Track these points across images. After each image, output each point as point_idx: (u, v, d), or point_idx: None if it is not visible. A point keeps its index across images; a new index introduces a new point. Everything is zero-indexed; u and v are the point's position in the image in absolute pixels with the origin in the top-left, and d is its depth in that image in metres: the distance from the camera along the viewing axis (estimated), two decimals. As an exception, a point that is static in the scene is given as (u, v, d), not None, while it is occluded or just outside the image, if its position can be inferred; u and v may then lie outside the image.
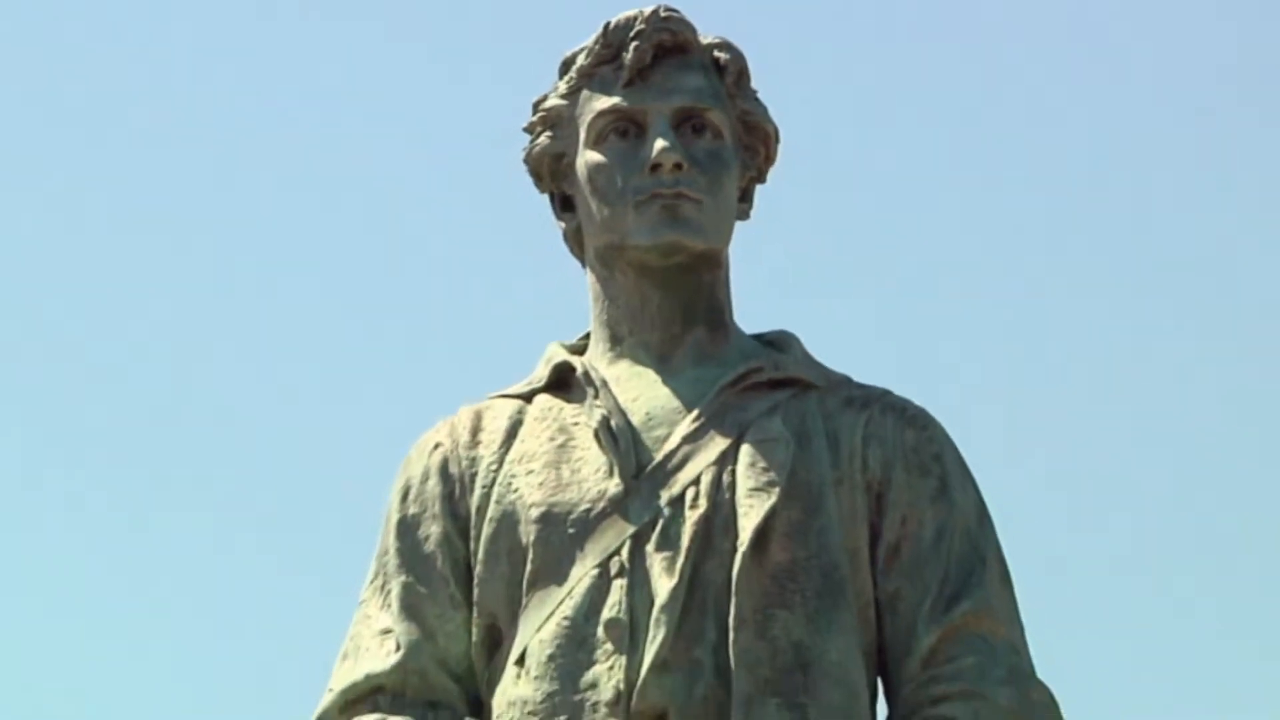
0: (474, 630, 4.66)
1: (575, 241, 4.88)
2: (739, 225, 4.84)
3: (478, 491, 4.75)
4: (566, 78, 4.86)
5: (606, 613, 4.52)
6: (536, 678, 4.52)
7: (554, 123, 4.87)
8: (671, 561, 4.52)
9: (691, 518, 4.55)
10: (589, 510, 4.61)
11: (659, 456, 4.64)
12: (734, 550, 4.51)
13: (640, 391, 4.73)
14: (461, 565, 4.71)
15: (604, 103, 4.79)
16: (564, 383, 4.78)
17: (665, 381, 4.74)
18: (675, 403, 4.71)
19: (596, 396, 4.72)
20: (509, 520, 4.66)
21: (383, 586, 4.74)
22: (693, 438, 4.65)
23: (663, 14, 4.80)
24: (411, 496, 4.79)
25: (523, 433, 4.76)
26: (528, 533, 4.62)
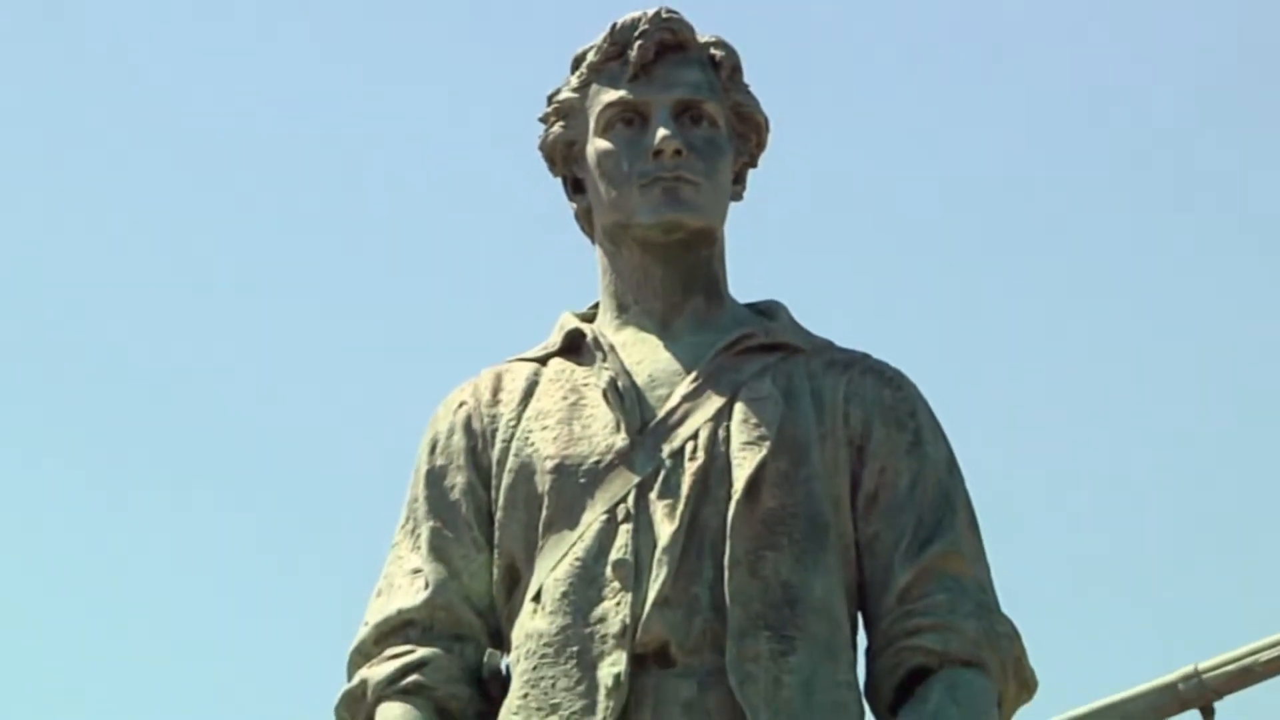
0: (495, 570, 4.81)
1: (585, 220, 5.02)
2: (733, 205, 4.99)
3: (498, 445, 4.88)
4: (577, 73, 4.99)
5: (614, 554, 4.67)
6: (551, 613, 4.66)
7: (566, 113, 5.00)
8: (672, 508, 4.67)
9: (690, 469, 4.70)
10: (598, 462, 4.76)
11: (661, 413, 4.78)
12: (729, 498, 4.67)
13: (644, 355, 4.87)
14: (484, 511, 4.85)
15: (611, 95, 4.92)
16: (575, 347, 4.92)
17: (666, 346, 4.88)
18: (676, 365, 4.84)
19: (605, 360, 4.86)
20: (526, 471, 4.80)
21: (413, 530, 4.88)
22: (691, 396, 4.78)
23: (664, 15, 4.94)
24: (439, 449, 4.92)
25: (538, 392, 4.90)
26: (543, 482, 4.77)
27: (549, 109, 5.03)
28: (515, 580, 4.80)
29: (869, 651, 4.78)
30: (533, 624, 4.70)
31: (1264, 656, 4.53)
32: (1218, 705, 4.55)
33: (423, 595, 4.80)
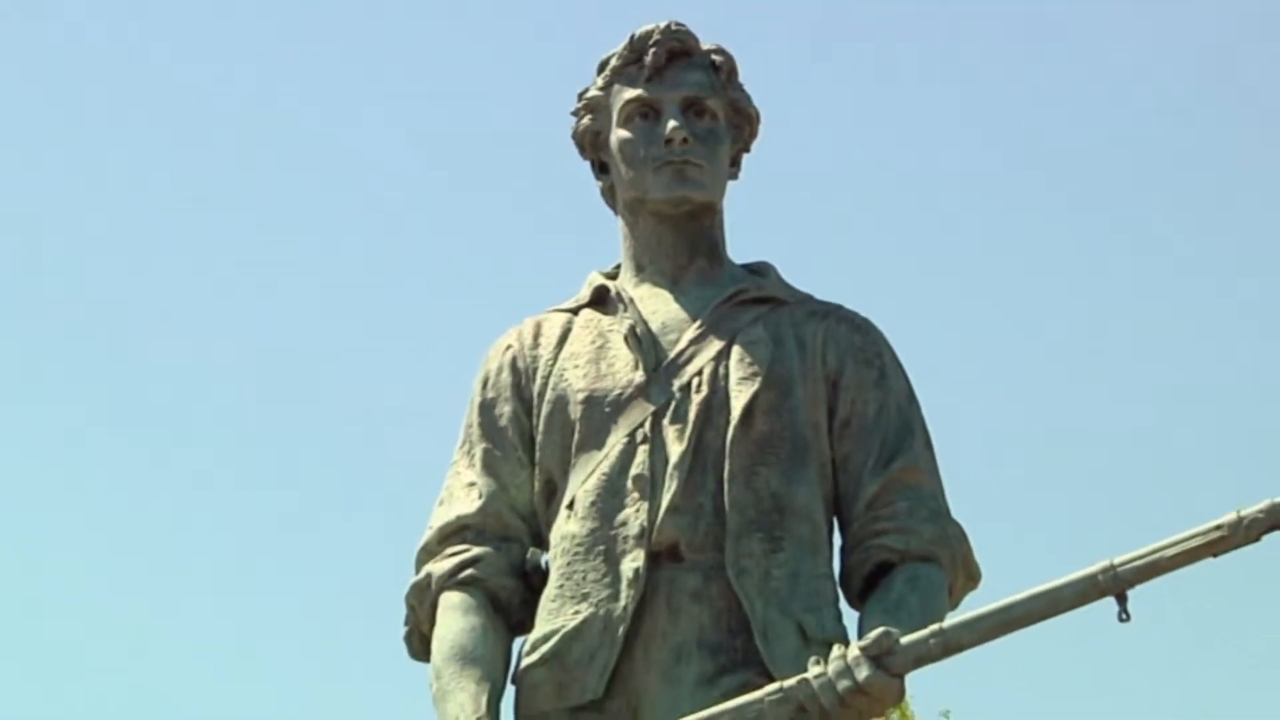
0: (535, 484, 5.03)
1: (609, 196, 5.25)
2: (731, 184, 5.23)
3: (538, 381, 5.10)
4: (602, 75, 5.20)
5: (634, 470, 4.90)
6: (582, 518, 4.90)
7: (593, 108, 5.21)
8: (681, 432, 4.90)
9: (696, 400, 4.92)
10: (620, 394, 4.97)
11: (672, 354, 5.00)
12: (728, 424, 4.89)
13: (658, 307, 5.09)
14: (527, 435, 5.08)
15: (630, 93, 5.14)
16: (601, 300, 5.15)
17: (676, 299, 5.10)
18: (683, 315, 5.06)
19: (626, 310, 5.08)
20: (561, 402, 5.02)
21: (469, 451, 5.11)
22: (697, 341, 5.01)
23: (674, 27, 5.13)
24: (489, 384, 5.15)
25: (571, 337, 5.12)
26: (575, 411, 4.99)
27: (579, 104, 5.24)
28: (552, 492, 5.01)
29: (843, 549, 5.00)
30: (567, 527, 4.92)
31: (1168, 553, 4.61)
32: (1130, 593, 4.61)
33: (477, 504, 5.02)
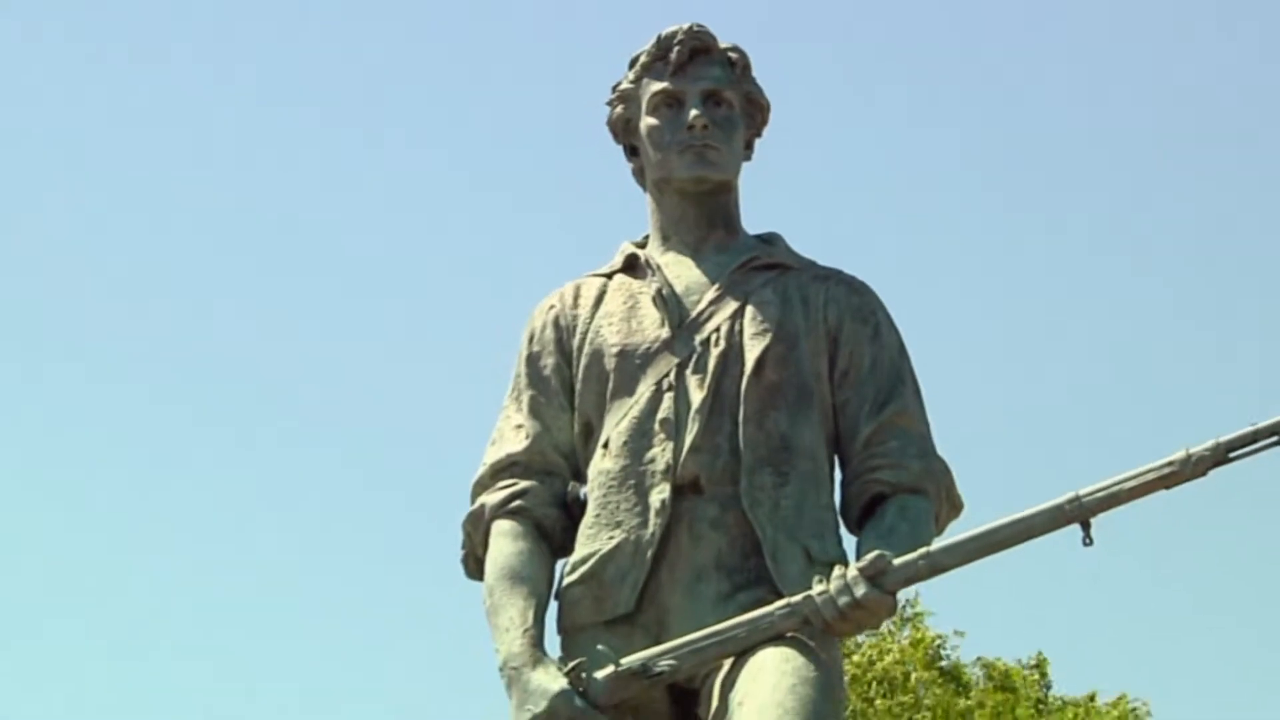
0: (575, 426, 5.16)
1: (639, 176, 5.36)
2: (745, 165, 5.33)
3: (577, 336, 5.20)
4: (633, 70, 5.31)
5: (660, 414, 5.02)
6: (615, 456, 5.03)
7: (625, 99, 5.32)
8: (702, 381, 5.02)
9: (715, 353, 5.05)
10: (649, 348, 5.09)
11: (693, 314, 5.12)
12: (742, 374, 5.01)
13: (681, 272, 5.20)
14: (567, 384, 5.19)
15: (657, 86, 5.24)
16: (632, 266, 5.26)
17: (697, 265, 5.20)
18: (704, 279, 5.17)
19: (653, 275, 5.20)
20: (597, 355, 5.14)
21: (517, 398, 5.22)
22: (715, 301, 5.12)
23: (695, 29, 5.26)
24: (535, 339, 5.25)
25: (606, 298, 5.24)
26: (609, 363, 5.11)
27: (613, 96, 5.35)
28: (590, 433, 5.13)
29: (843, 483, 5.12)
30: (602, 464, 5.04)
31: (1127, 485, 4.72)
32: (1093, 521, 4.73)
33: (524, 443, 5.14)
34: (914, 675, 25.94)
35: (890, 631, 26.14)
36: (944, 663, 26.47)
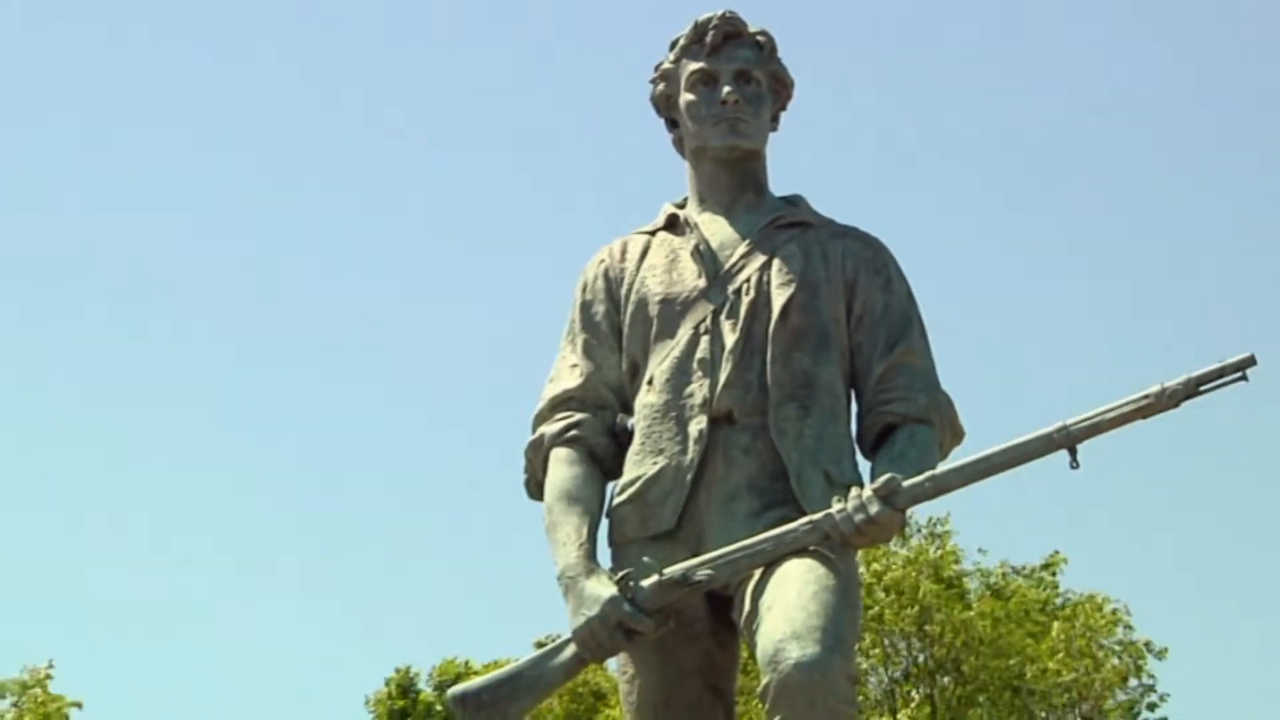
0: (623, 365, 5.24)
1: (679, 146, 5.42)
2: (772, 136, 5.40)
3: (625, 286, 5.27)
4: (672, 52, 5.38)
5: (698, 354, 5.10)
6: (659, 391, 5.12)
7: (667, 78, 5.39)
8: (734, 325, 5.10)
9: (746, 301, 5.12)
10: (687, 297, 5.16)
11: (727, 266, 5.18)
12: (770, 319, 5.09)
13: (715, 230, 5.26)
14: (616, 328, 5.26)
15: (694, 66, 5.32)
16: (673, 225, 5.33)
17: (730, 223, 5.26)
18: (735, 235, 5.23)
19: (691, 232, 5.27)
20: (642, 303, 5.21)
21: (572, 340, 5.30)
22: (745, 255, 5.19)
23: (728, 15, 5.34)
24: (588, 289, 5.33)
25: (650, 253, 5.30)
26: (653, 309, 5.19)
27: (655, 75, 5.42)
28: (636, 371, 5.20)
29: (858, 415, 5.19)
30: (647, 399, 5.13)
31: (1108, 416, 4.78)
32: (1080, 447, 4.78)
33: (578, 380, 5.23)
34: (923, 586, 26.03)
35: (904, 545, 26.20)
36: (949, 573, 26.56)
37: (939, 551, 26.99)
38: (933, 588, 26.50)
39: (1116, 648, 27.55)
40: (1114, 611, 27.52)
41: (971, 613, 26.87)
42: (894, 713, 26.35)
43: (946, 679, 27.01)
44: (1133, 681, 27.69)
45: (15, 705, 24.09)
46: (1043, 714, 27.01)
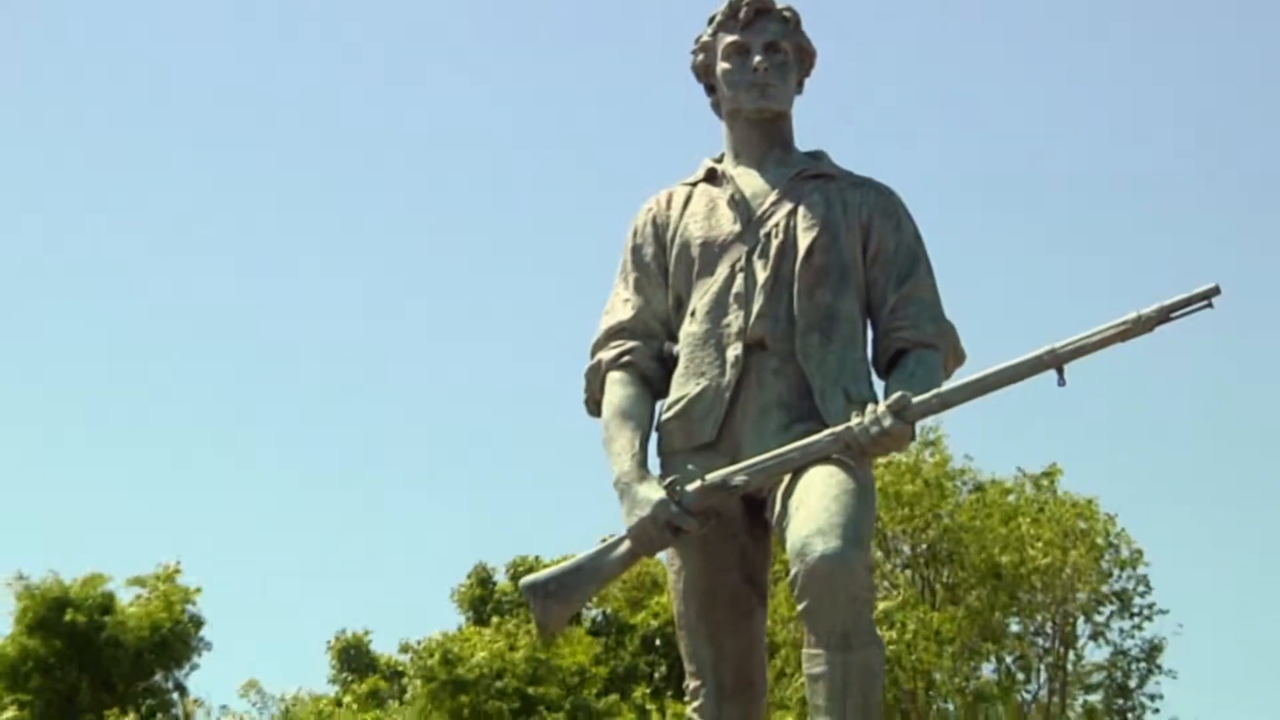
0: (669, 300, 5.30)
1: (716, 109, 5.49)
2: (797, 99, 5.46)
3: (670, 230, 5.34)
4: (710, 26, 5.46)
5: (734, 290, 5.17)
6: (700, 321, 5.19)
7: (705, 49, 5.46)
8: (765, 264, 5.17)
9: (775, 243, 5.20)
10: (725, 239, 5.24)
11: (758, 213, 5.26)
12: (796, 258, 5.16)
13: (748, 181, 5.33)
14: (663, 268, 5.33)
15: (729, 38, 5.39)
16: (711, 177, 5.40)
17: (761, 176, 5.33)
18: (766, 186, 5.30)
19: (727, 184, 5.34)
20: (686, 245, 5.29)
21: (624, 278, 5.38)
22: (775, 203, 5.26)
23: None
24: (638, 234, 5.40)
25: (692, 202, 5.37)
26: (695, 251, 5.26)
27: (695, 47, 5.49)
28: (680, 305, 5.27)
29: (873, 341, 5.25)
30: (689, 328, 5.21)
31: (1091, 339, 4.83)
32: (1066, 367, 4.83)
33: (630, 312, 5.31)
34: (907, 489, 26.22)
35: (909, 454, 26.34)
36: (928, 475, 26.73)
37: (934, 457, 27.16)
38: (924, 490, 26.68)
39: (1108, 544, 27.64)
40: (1108, 515, 27.63)
41: (957, 505, 27.07)
42: (895, 597, 26.61)
43: (942, 569, 27.23)
44: (1126, 572, 27.76)
45: (150, 594, 25.39)
46: (1025, 597, 27.19)
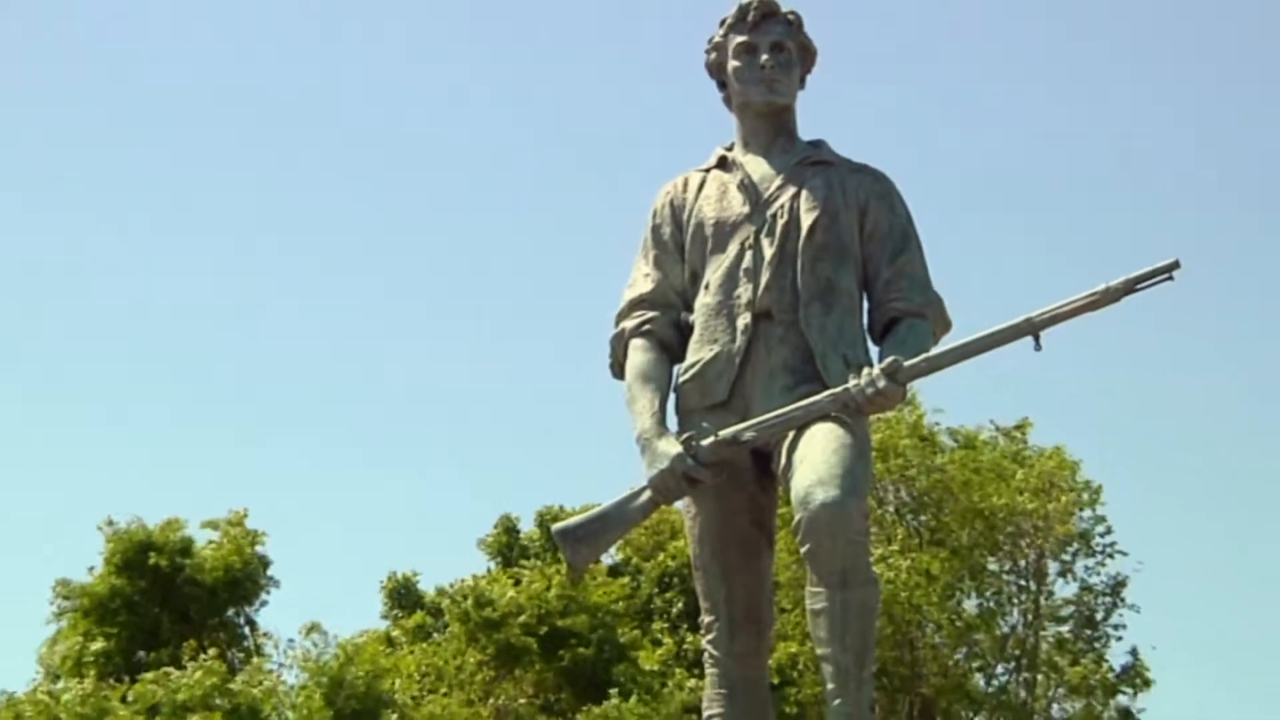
0: (685, 274, 5.40)
1: (728, 103, 5.58)
2: (800, 94, 5.55)
3: (686, 211, 5.42)
4: (721, 28, 5.54)
5: (744, 265, 5.28)
6: (713, 293, 5.29)
7: (717, 49, 5.55)
8: (772, 241, 5.26)
9: (780, 223, 5.29)
10: (735, 220, 5.33)
11: (765, 196, 5.35)
12: (799, 236, 5.25)
13: (756, 167, 5.42)
14: (680, 245, 5.42)
15: (739, 39, 5.48)
16: (723, 164, 5.48)
17: (767, 163, 5.42)
18: (772, 172, 5.39)
19: (737, 170, 5.43)
20: (700, 225, 5.38)
21: (645, 254, 5.47)
22: (780, 187, 5.35)
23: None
24: (657, 215, 5.49)
25: (705, 186, 5.45)
26: (709, 230, 5.36)
27: (708, 47, 5.58)
28: (696, 278, 5.37)
29: (869, 311, 5.35)
30: (704, 300, 5.31)
31: (1064, 309, 4.87)
32: (1042, 335, 4.89)
33: (650, 285, 5.40)
34: (902, 443, 26.38)
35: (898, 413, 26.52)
36: (924, 433, 26.93)
37: (914, 416, 27.35)
38: (912, 443, 26.85)
39: (1075, 486, 27.88)
40: (1074, 461, 27.87)
41: (945, 459, 27.27)
42: (889, 541, 26.84)
43: (925, 516, 27.44)
44: (1086, 513, 28.05)
45: (222, 538, 25.71)
46: (1006, 545, 27.44)
